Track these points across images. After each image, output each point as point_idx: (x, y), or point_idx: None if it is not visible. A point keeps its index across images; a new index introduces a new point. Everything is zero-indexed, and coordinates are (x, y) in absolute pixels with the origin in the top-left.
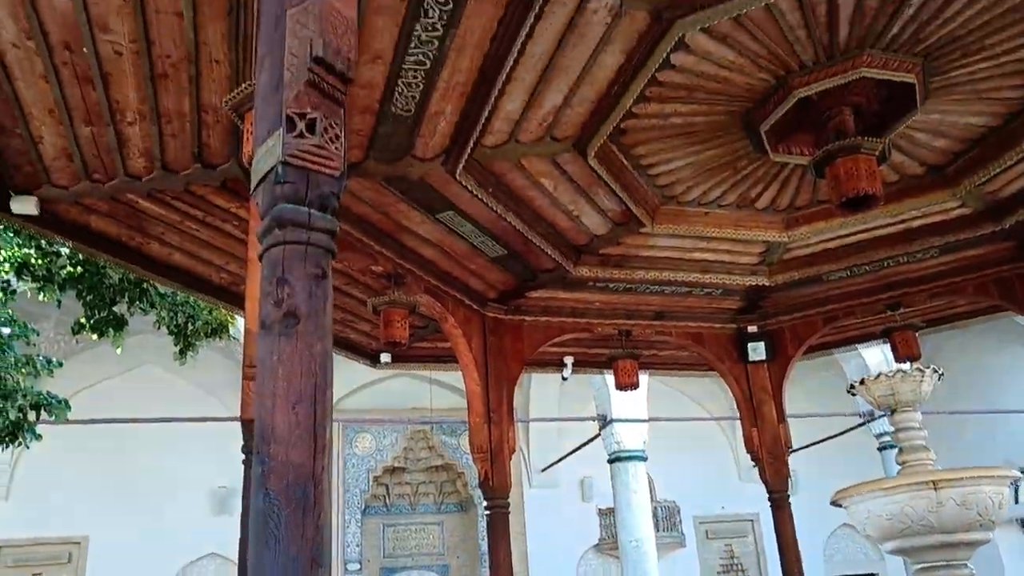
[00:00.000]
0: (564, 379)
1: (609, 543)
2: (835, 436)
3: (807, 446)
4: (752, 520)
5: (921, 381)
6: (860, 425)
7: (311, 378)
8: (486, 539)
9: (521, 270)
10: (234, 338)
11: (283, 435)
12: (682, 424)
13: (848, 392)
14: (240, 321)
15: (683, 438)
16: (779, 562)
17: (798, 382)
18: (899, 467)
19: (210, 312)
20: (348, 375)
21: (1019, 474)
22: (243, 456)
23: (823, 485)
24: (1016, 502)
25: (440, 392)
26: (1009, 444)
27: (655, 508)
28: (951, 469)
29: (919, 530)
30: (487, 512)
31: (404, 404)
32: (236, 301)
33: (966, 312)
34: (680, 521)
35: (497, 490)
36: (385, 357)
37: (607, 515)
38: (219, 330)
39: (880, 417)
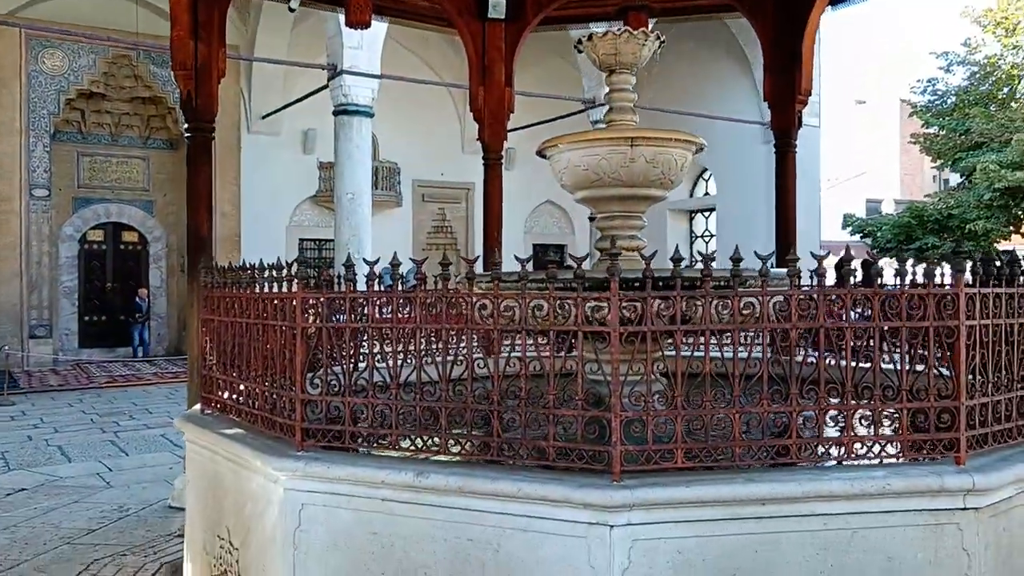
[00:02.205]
0: (292, 10)
1: (326, 195)
2: (556, 119)
3: (529, 125)
4: (468, 189)
5: (643, 44)
6: (581, 111)
7: None
8: None
9: None
10: None
11: None
12: (413, 89)
13: (575, 48)
14: None
15: (413, 103)
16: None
17: (530, 66)
18: (605, 125)
19: None
20: None
21: (704, 142)
22: None
23: (536, 164)
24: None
25: (150, 17)
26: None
27: (376, 167)
28: (648, 128)
29: (609, 182)
30: (187, 136)
31: (104, 22)
32: None
33: (698, 5)
34: (399, 182)
35: (201, 113)
36: None
37: (327, 168)
38: None
39: (600, 105)
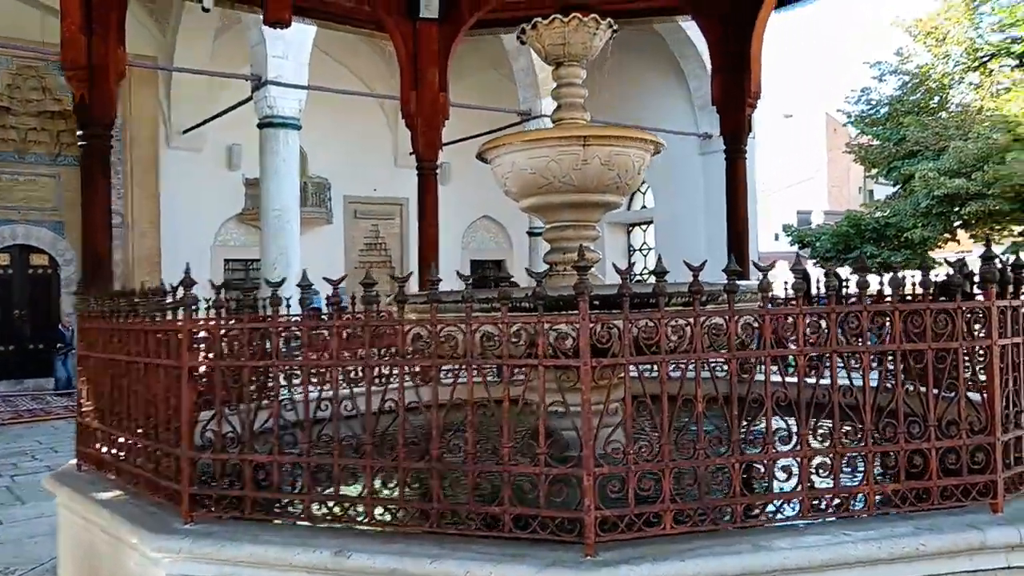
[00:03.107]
0: (206, 10)
1: (253, 213)
2: (492, 132)
3: (464, 139)
4: (402, 204)
5: (595, 33)
6: (518, 123)
7: None
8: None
9: None
10: None
11: None
12: (343, 102)
13: (518, 39)
14: None
15: (343, 116)
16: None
17: (464, 78)
18: (553, 125)
19: None
20: None
21: (663, 142)
22: None
23: (471, 179)
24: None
25: (56, 24)
26: None
27: (305, 183)
28: (602, 126)
29: (560, 187)
30: (81, 145)
31: (8, 30)
32: None
33: (643, 8)
34: (330, 199)
35: (96, 118)
36: None
37: (253, 185)
38: None
39: (537, 117)
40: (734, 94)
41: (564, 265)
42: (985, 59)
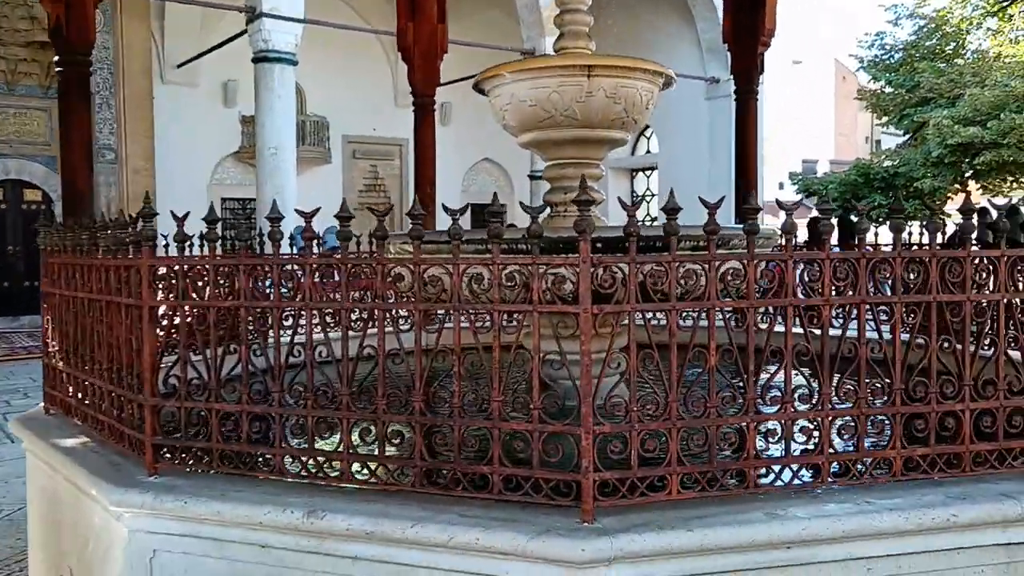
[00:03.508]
0: None
1: (250, 151)
2: None
3: (464, 79)
4: (401, 145)
5: None
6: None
7: None
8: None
9: None
10: None
11: None
12: (342, 39)
13: None
14: None
15: (342, 54)
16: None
17: (464, 16)
18: (556, 53)
19: None
20: None
21: (674, 74)
22: None
23: (472, 120)
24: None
25: None
26: None
27: (303, 121)
28: (608, 55)
29: (562, 121)
30: (59, 71)
31: None
32: None
33: None
34: (328, 138)
35: (74, 43)
36: None
37: (250, 123)
38: None
39: (542, 56)
40: (747, 30)
41: (565, 205)
42: (1005, 3)
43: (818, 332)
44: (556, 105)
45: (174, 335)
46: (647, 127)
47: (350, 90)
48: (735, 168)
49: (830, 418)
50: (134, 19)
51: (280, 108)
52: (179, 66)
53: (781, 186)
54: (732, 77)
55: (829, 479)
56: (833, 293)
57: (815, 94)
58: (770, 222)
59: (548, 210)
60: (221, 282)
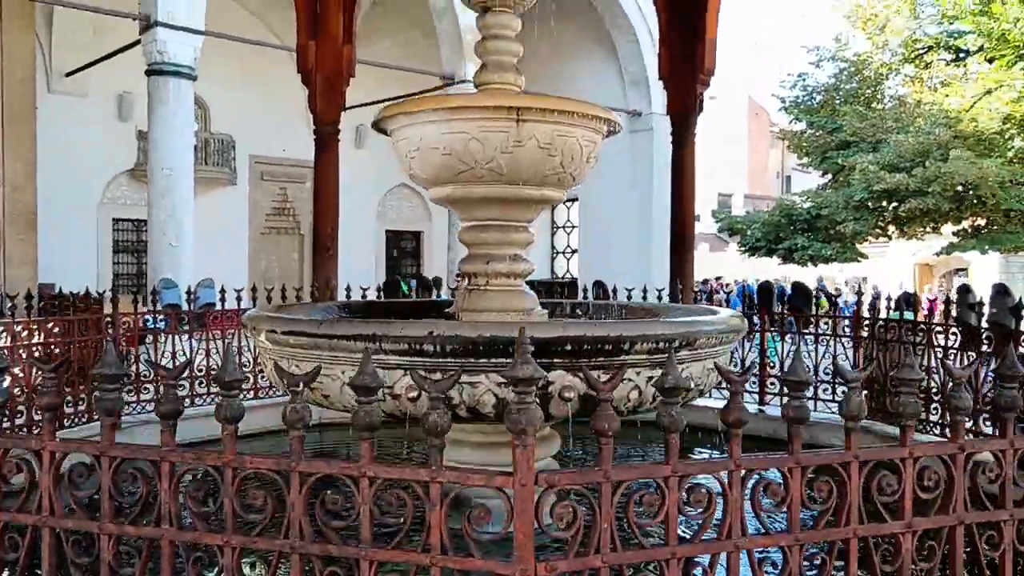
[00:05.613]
0: None
1: (146, 169)
2: (412, 95)
3: (381, 101)
4: (312, 167)
5: None
6: (439, 87)
7: None
8: None
9: None
10: None
11: None
12: (252, 53)
13: None
14: None
15: (251, 70)
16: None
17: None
18: (477, 90)
19: None
20: None
21: (620, 121)
22: None
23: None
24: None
25: None
26: None
27: (207, 139)
28: (541, 95)
29: (484, 175)
30: None
31: None
32: None
33: None
34: (235, 158)
35: None
36: None
37: (147, 139)
38: None
39: (461, 82)
40: (684, 69)
41: (486, 278)
42: (922, 51)
43: None
44: (476, 156)
45: None
46: None
47: (259, 108)
48: (671, 210)
49: None
50: (15, 22)
51: (176, 125)
52: (68, 75)
53: (698, 218)
54: (668, 115)
55: None
56: None
57: (730, 129)
58: (701, 253)
59: (465, 282)
60: None
